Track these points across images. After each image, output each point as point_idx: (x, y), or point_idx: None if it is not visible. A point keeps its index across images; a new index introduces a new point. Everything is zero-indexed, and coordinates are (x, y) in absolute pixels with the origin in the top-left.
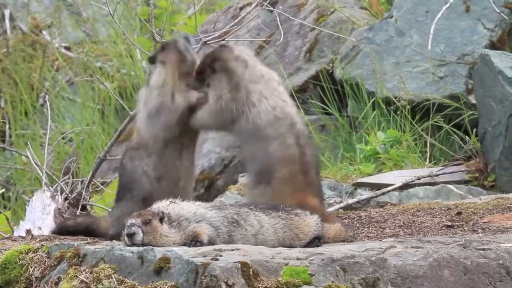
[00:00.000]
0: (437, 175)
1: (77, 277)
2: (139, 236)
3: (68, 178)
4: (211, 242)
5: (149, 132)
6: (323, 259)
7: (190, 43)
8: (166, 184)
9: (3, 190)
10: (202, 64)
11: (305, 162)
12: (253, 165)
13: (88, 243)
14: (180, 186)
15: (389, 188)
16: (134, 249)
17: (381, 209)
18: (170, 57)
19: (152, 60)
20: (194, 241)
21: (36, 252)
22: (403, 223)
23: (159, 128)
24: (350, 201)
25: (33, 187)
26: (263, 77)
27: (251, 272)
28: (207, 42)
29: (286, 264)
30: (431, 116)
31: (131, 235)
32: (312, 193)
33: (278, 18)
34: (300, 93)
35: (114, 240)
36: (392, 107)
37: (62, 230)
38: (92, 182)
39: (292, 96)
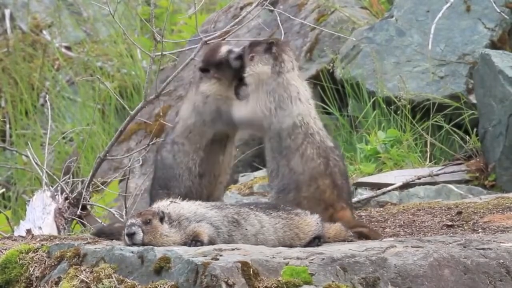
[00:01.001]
0: (437, 175)
1: (77, 276)
2: (139, 236)
3: (69, 178)
4: (211, 242)
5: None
6: (323, 259)
7: (245, 52)
8: (207, 181)
9: (4, 189)
10: (262, 41)
11: (332, 172)
12: (276, 181)
13: (88, 242)
14: (219, 181)
15: (390, 187)
16: (134, 248)
17: (381, 209)
18: (225, 75)
19: (205, 71)
20: (194, 240)
21: (36, 251)
22: (404, 222)
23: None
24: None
25: (33, 186)
26: (301, 79)
27: (251, 272)
28: (208, 42)
29: (287, 264)
30: (431, 115)
31: (131, 235)
32: (343, 205)
33: (278, 18)
34: None
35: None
36: (392, 107)
37: (99, 234)
38: (93, 182)
39: None
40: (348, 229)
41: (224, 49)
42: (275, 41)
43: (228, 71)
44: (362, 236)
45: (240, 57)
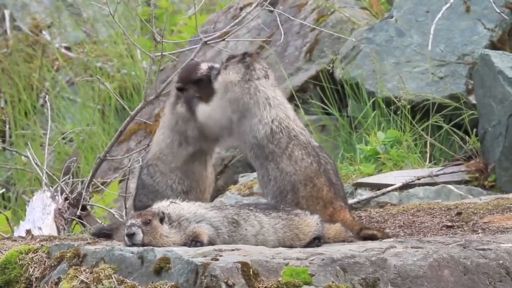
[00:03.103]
0: (437, 175)
1: (77, 277)
2: (139, 236)
3: (68, 178)
4: (211, 242)
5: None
6: (323, 259)
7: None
8: (194, 196)
9: (3, 190)
10: (233, 55)
11: (325, 170)
12: (270, 185)
13: (88, 243)
14: (205, 197)
15: (389, 188)
16: (134, 249)
17: (381, 209)
18: (206, 94)
19: (182, 90)
20: (194, 241)
21: (36, 252)
22: (403, 223)
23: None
24: (351, 201)
25: (33, 187)
26: (274, 87)
27: (251, 272)
28: (207, 42)
29: (286, 264)
30: (431, 116)
31: (131, 235)
32: (341, 204)
33: (278, 18)
34: (300, 93)
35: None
36: (392, 107)
37: (99, 234)
38: (92, 182)
39: (292, 96)
40: (356, 233)
41: (204, 66)
42: (249, 53)
43: (209, 89)
44: (372, 238)
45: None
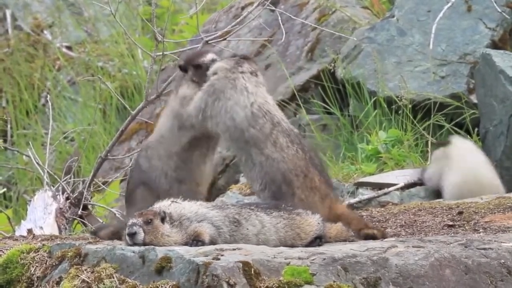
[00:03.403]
0: None
1: (79, 276)
2: (141, 236)
3: (70, 178)
4: (212, 242)
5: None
6: (324, 259)
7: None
8: (187, 188)
9: (5, 189)
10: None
11: (311, 157)
12: (255, 170)
13: (90, 242)
14: (199, 191)
15: (392, 188)
16: (136, 248)
17: (382, 209)
18: (202, 81)
19: (183, 70)
20: (195, 240)
21: (38, 251)
22: (405, 222)
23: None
24: (352, 200)
25: (34, 186)
26: (258, 84)
27: (252, 272)
28: (209, 42)
29: (288, 264)
30: (432, 115)
31: (132, 235)
32: (336, 196)
33: (279, 18)
34: (301, 93)
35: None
36: (393, 107)
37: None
38: (94, 182)
39: (293, 95)
40: (357, 232)
41: (210, 56)
42: (247, 56)
43: (205, 78)
44: (371, 238)
45: None
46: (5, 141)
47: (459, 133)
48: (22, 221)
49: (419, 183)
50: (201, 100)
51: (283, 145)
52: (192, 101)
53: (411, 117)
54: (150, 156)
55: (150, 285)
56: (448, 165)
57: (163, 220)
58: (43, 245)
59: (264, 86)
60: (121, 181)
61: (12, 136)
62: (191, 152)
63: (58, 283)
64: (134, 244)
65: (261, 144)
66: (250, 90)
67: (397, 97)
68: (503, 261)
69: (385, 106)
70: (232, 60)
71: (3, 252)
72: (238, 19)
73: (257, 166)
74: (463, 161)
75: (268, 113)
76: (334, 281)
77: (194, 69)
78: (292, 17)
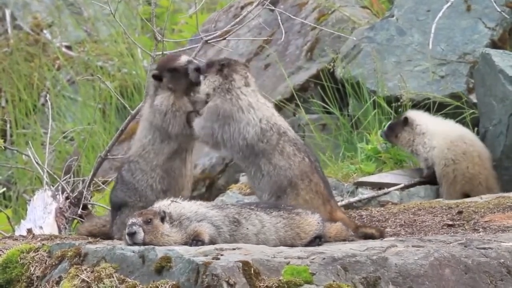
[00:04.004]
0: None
1: (78, 276)
2: (140, 235)
3: (69, 177)
4: (212, 241)
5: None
6: (324, 258)
7: (202, 71)
8: (172, 195)
9: (4, 189)
10: (216, 62)
11: (316, 167)
12: (264, 180)
13: (89, 242)
14: (183, 194)
15: (392, 188)
16: (135, 248)
17: (382, 208)
18: (179, 87)
19: (158, 79)
20: (195, 240)
21: (37, 251)
22: (404, 222)
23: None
24: (352, 200)
25: (34, 186)
26: (255, 93)
27: (252, 271)
28: (208, 41)
29: (287, 263)
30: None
31: (132, 234)
32: (335, 203)
33: (279, 17)
34: (301, 92)
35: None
36: (393, 106)
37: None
38: (93, 181)
39: (293, 95)
40: (354, 230)
41: (184, 58)
42: (227, 62)
43: (183, 81)
44: (369, 237)
45: (198, 69)
46: (4, 140)
47: None
48: (21, 220)
49: (418, 182)
50: (207, 128)
51: (290, 153)
52: (204, 128)
53: None
54: (133, 170)
55: (150, 285)
56: (428, 138)
57: (162, 219)
58: (43, 244)
59: (257, 90)
60: None
61: (11, 136)
62: (173, 161)
63: (58, 282)
64: (134, 243)
65: (269, 154)
66: (255, 106)
67: (397, 96)
68: (502, 260)
69: (385, 105)
70: (218, 76)
71: (3, 251)
72: (238, 19)
73: (265, 177)
74: (441, 129)
75: (274, 125)
76: (333, 281)
77: (170, 74)
78: (292, 16)
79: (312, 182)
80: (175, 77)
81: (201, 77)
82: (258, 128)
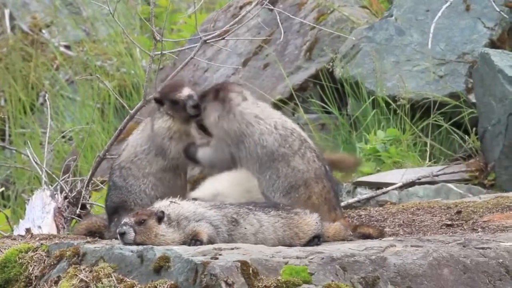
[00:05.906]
0: (437, 175)
1: (77, 276)
2: (130, 236)
3: (68, 177)
4: (210, 241)
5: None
6: (322, 258)
7: (199, 106)
8: None
9: (3, 189)
10: (210, 90)
11: (330, 178)
12: (278, 182)
13: (88, 242)
14: None
15: (390, 187)
16: (134, 248)
17: (380, 208)
18: (178, 115)
19: (159, 102)
20: (193, 240)
21: (36, 251)
22: (403, 222)
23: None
24: (350, 200)
25: (32, 186)
26: (256, 104)
27: (250, 271)
28: (207, 41)
29: (286, 263)
30: (431, 115)
31: (121, 234)
32: (341, 214)
33: (278, 17)
34: (300, 92)
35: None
36: (392, 106)
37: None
38: (92, 181)
39: (292, 95)
40: (352, 229)
41: (185, 92)
42: (219, 86)
43: (182, 113)
44: (367, 237)
45: (197, 106)
46: (3, 140)
47: (457, 133)
48: (20, 220)
49: (417, 182)
50: (226, 153)
51: (310, 159)
52: (214, 158)
53: (410, 116)
54: (125, 176)
55: (148, 285)
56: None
57: (160, 220)
58: (42, 244)
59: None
60: None
61: (10, 135)
62: (165, 173)
63: (56, 282)
64: (125, 243)
65: (289, 157)
66: (262, 116)
67: (396, 96)
68: (501, 260)
69: (384, 105)
70: (217, 103)
71: (1, 251)
72: (237, 18)
73: (281, 178)
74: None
75: (294, 131)
76: (332, 281)
77: (170, 103)
78: (291, 16)
79: (325, 188)
80: (174, 108)
81: (201, 109)
82: (277, 135)
